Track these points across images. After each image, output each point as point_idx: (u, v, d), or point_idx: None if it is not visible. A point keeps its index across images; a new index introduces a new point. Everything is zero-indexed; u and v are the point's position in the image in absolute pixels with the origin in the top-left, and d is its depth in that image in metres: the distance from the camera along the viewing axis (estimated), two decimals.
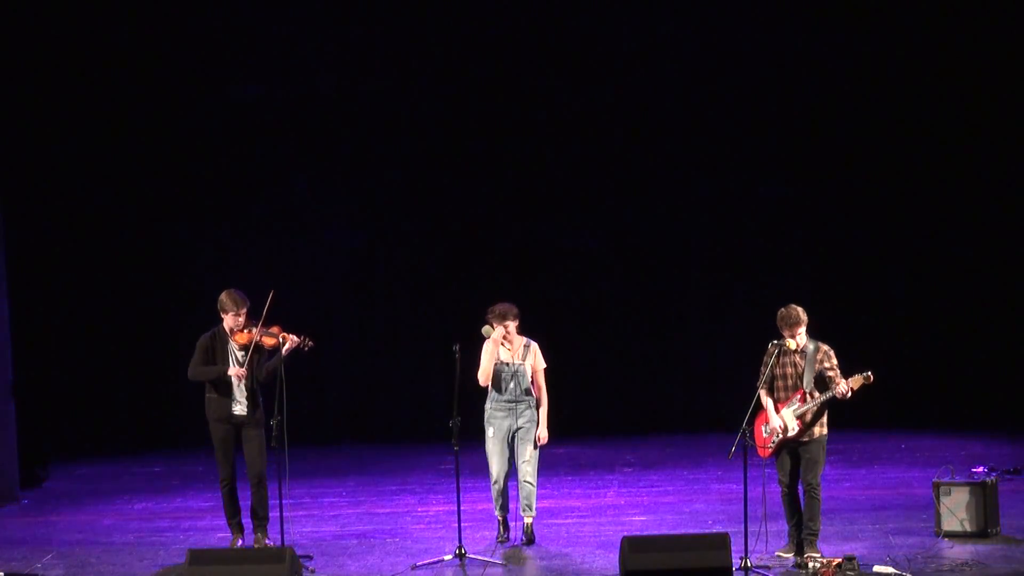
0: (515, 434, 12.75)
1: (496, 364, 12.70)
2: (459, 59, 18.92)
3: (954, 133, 18.52)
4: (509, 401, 12.70)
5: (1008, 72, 18.16)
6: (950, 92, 18.40)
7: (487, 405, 12.79)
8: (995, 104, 18.31)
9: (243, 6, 18.79)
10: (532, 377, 12.76)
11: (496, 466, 12.75)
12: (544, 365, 12.82)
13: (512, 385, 12.68)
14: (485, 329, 12.68)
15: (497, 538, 12.76)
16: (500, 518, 12.89)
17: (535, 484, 12.84)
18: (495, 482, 12.78)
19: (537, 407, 12.78)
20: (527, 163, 19.18)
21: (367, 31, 18.86)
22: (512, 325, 12.67)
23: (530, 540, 12.84)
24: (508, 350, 12.72)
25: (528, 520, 12.88)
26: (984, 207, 18.60)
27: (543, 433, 12.77)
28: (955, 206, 18.67)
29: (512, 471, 12.81)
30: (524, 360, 12.72)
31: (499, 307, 12.71)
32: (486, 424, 12.78)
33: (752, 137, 18.94)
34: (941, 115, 18.50)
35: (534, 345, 12.81)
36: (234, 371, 12.53)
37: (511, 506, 12.95)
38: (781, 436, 11.72)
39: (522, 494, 12.82)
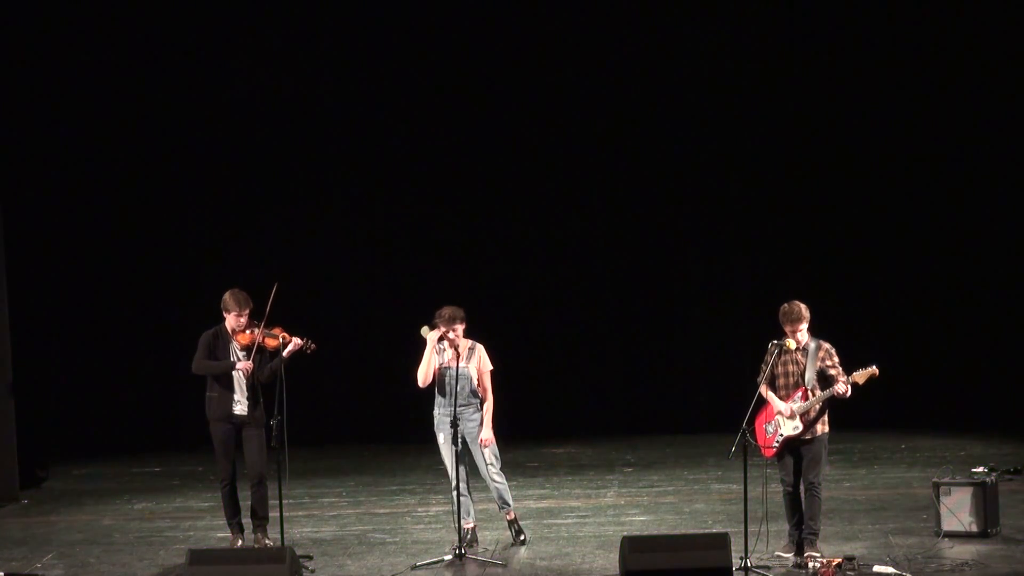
0: (466, 438, 12.63)
1: (440, 368, 12.57)
2: (457, 59, 18.92)
3: (956, 134, 18.53)
4: (456, 406, 12.50)
5: (1012, 70, 18.17)
6: (954, 91, 18.41)
7: (435, 411, 12.65)
8: (997, 105, 18.32)
9: (244, 5, 18.78)
10: (478, 379, 12.69)
11: (452, 471, 12.59)
12: (490, 367, 12.71)
13: (458, 389, 12.57)
14: (423, 329, 12.59)
15: (456, 549, 12.25)
16: (466, 527, 12.59)
17: (503, 481, 12.74)
18: (455, 488, 12.59)
19: (482, 408, 12.67)
20: (528, 162, 19.19)
21: (366, 31, 18.86)
22: (460, 328, 12.56)
23: (519, 533, 12.80)
24: (453, 353, 12.57)
25: (511, 516, 12.82)
26: (984, 207, 18.61)
27: (487, 434, 12.64)
28: (955, 205, 18.68)
29: (469, 476, 12.68)
30: (469, 363, 12.61)
31: (447, 310, 12.53)
32: (436, 430, 12.66)
33: (753, 132, 18.93)
34: (943, 116, 18.50)
35: (479, 347, 12.69)
36: (241, 364, 12.52)
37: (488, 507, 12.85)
38: (787, 417, 11.66)
39: (493, 494, 12.74)
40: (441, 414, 12.60)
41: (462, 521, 12.51)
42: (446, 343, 12.53)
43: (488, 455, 12.65)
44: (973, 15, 18.16)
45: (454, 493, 12.59)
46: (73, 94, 18.43)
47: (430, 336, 12.52)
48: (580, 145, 19.21)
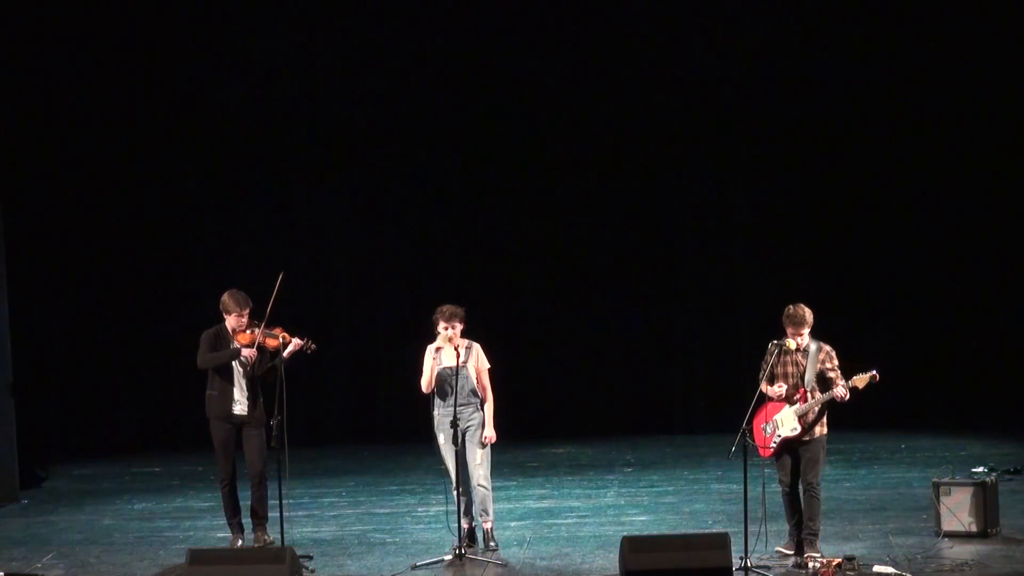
0: (466, 437, 12.58)
1: (440, 370, 12.53)
2: (458, 59, 18.92)
3: (955, 134, 18.53)
4: (459, 405, 12.46)
5: (1010, 73, 18.17)
6: (954, 92, 18.41)
7: (434, 412, 12.59)
8: (996, 106, 18.32)
9: (245, 5, 18.78)
10: (477, 378, 12.66)
11: (453, 471, 12.56)
12: (488, 365, 12.68)
13: (458, 388, 12.54)
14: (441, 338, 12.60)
15: (456, 549, 12.26)
16: (467, 526, 12.61)
17: (489, 487, 12.66)
18: (455, 488, 12.58)
19: (482, 407, 12.65)
20: (528, 162, 19.19)
21: (367, 31, 18.86)
22: (459, 328, 12.53)
23: (490, 540, 12.67)
24: (456, 354, 12.53)
25: (487, 526, 12.71)
26: (984, 207, 18.61)
27: (489, 432, 12.60)
28: (955, 205, 18.68)
29: (469, 476, 12.64)
30: (467, 362, 12.59)
31: (448, 307, 12.52)
32: (436, 431, 12.59)
33: (753, 133, 18.94)
34: (942, 116, 18.51)
35: (476, 346, 12.65)
36: (246, 352, 12.53)
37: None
38: (781, 399, 11.67)
39: (476, 498, 12.61)
40: (441, 415, 12.58)
41: (462, 520, 12.51)
42: (448, 345, 12.51)
43: (480, 456, 12.60)
44: (976, 17, 18.15)
45: (454, 493, 12.58)
46: (73, 94, 18.42)
47: (431, 346, 12.52)
48: (579, 144, 19.19)
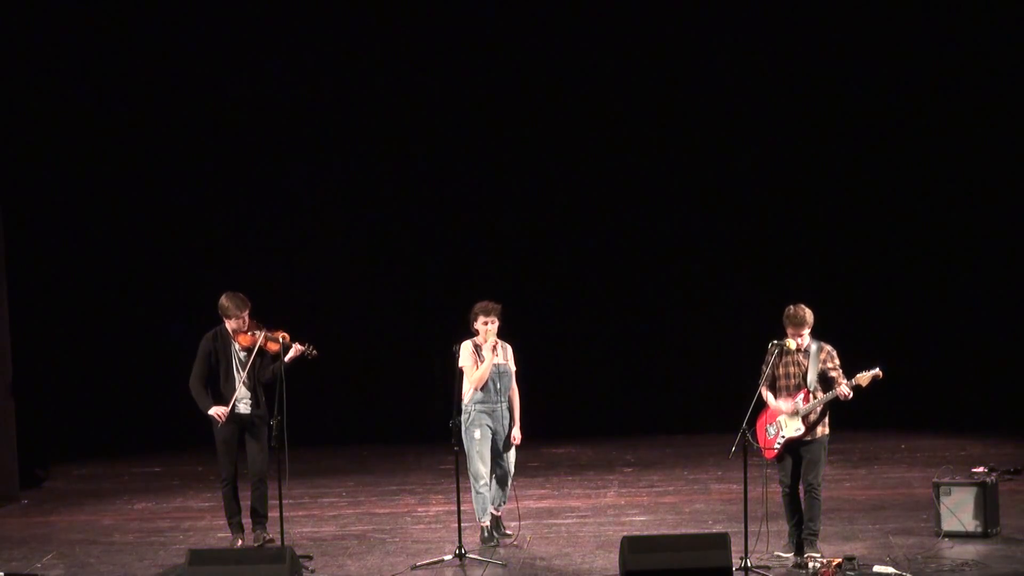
0: (497, 436, 12.70)
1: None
2: (458, 59, 18.91)
3: (955, 133, 18.53)
4: (495, 403, 12.66)
5: (1010, 72, 18.18)
6: (954, 92, 18.41)
7: (472, 407, 12.65)
8: (996, 107, 18.32)
9: (244, 5, 18.78)
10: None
11: (486, 468, 12.65)
12: (514, 367, 12.87)
13: (500, 386, 12.67)
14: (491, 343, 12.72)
15: (488, 541, 12.68)
16: (490, 523, 12.79)
17: None
18: (485, 484, 12.67)
19: (511, 408, 12.79)
20: (527, 162, 19.18)
21: (367, 31, 18.85)
22: (497, 324, 12.65)
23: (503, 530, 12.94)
24: (502, 351, 12.71)
25: (500, 513, 12.96)
26: (984, 207, 18.60)
27: (517, 433, 12.79)
28: (955, 205, 18.68)
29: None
30: (508, 360, 12.76)
31: (488, 304, 12.67)
32: (470, 426, 12.64)
33: (753, 133, 18.93)
34: (943, 115, 18.50)
35: (508, 347, 12.83)
36: (215, 411, 12.55)
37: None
38: (790, 413, 11.67)
39: (503, 492, 12.85)
40: (478, 411, 12.64)
41: (485, 513, 12.66)
42: (490, 340, 12.59)
43: (512, 456, 12.83)
44: (978, 19, 18.17)
45: (484, 487, 12.65)
46: (73, 93, 18.41)
47: (468, 343, 12.62)
48: (576, 143, 19.18)
